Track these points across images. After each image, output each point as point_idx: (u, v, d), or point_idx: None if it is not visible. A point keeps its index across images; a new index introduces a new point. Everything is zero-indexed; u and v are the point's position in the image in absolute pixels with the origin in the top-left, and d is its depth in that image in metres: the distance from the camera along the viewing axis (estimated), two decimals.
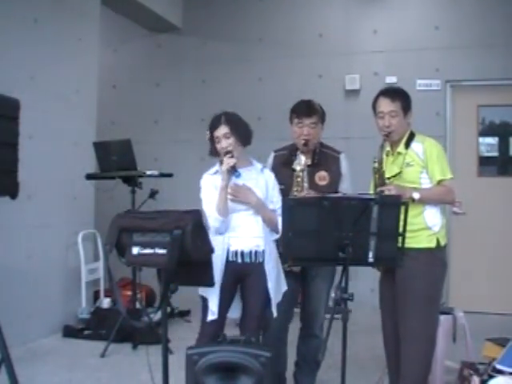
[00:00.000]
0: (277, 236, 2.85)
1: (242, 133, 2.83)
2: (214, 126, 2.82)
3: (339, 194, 2.99)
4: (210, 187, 2.82)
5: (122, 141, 4.49)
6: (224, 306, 2.74)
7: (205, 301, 2.75)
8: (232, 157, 2.74)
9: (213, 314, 2.71)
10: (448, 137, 5.56)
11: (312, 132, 3.09)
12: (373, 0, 5.85)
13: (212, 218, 2.73)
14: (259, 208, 2.79)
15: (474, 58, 5.49)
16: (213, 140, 2.83)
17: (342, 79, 5.84)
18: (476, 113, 5.64)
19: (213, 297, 2.70)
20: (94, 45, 5.20)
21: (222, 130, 2.79)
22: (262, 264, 2.77)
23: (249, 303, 2.80)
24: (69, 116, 4.80)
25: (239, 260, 2.76)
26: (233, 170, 2.72)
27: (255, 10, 6.18)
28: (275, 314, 2.79)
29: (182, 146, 6.31)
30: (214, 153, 2.87)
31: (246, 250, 2.76)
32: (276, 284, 2.82)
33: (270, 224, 2.82)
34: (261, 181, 2.86)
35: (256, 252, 2.77)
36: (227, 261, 2.73)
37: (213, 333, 2.68)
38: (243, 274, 2.77)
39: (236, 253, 2.76)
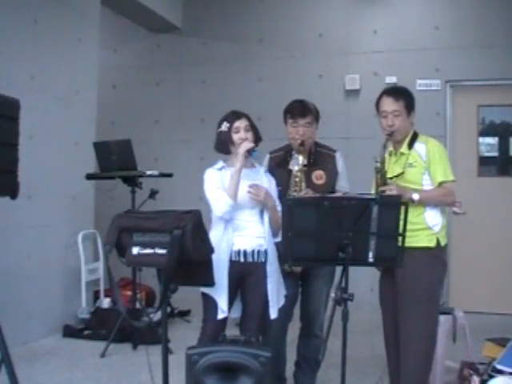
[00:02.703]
0: (278, 239, 2.85)
1: (257, 132, 2.89)
2: (235, 117, 2.85)
3: (339, 194, 3.00)
4: (217, 179, 2.80)
5: (122, 141, 4.49)
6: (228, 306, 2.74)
7: (206, 299, 2.73)
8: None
9: (223, 312, 2.69)
10: (448, 137, 5.56)
11: (307, 132, 3.08)
12: (373, 0, 5.85)
13: (221, 200, 2.71)
14: (273, 211, 2.80)
15: (474, 58, 5.49)
16: (229, 131, 2.82)
17: (341, 79, 5.84)
18: (476, 113, 5.64)
19: (222, 295, 2.68)
20: (94, 45, 5.20)
21: (244, 121, 2.84)
22: (264, 264, 2.77)
23: (249, 303, 2.80)
24: (69, 116, 4.80)
25: (242, 259, 2.76)
26: (250, 152, 2.75)
27: (255, 10, 6.18)
28: (273, 316, 2.78)
29: (182, 146, 6.31)
30: (226, 145, 2.84)
31: (249, 249, 2.76)
32: (276, 286, 2.81)
33: (276, 226, 2.81)
34: (264, 183, 2.87)
35: (258, 251, 2.77)
36: (230, 260, 2.72)
37: (216, 332, 2.67)
38: (245, 274, 2.77)
39: (239, 252, 2.76)
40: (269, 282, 2.76)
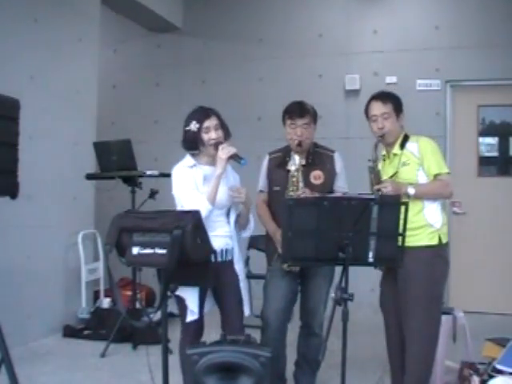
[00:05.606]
0: (248, 234, 2.91)
1: (226, 127, 2.85)
2: (204, 116, 2.78)
3: (338, 194, 3.01)
4: (190, 179, 2.74)
5: (122, 141, 4.49)
6: (201, 304, 2.70)
7: (181, 301, 2.67)
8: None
9: (192, 314, 2.64)
10: (448, 137, 5.56)
11: (305, 132, 3.08)
12: (373, 0, 5.85)
13: (200, 205, 2.60)
14: (247, 208, 2.83)
15: (474, 58, 5.49)
16: (199, 131, 2.76)
17: (341, 79, 5.84)
18: (476, 113, 5.64)
19: (192, 297, 2.64)
20: (94, 45, 5.20)
21: (214, 120, 2.78)
22: (231, 262, 2.80)
23: (226, 303, 2.77)
24: (69, 116, 4.80)
25: (212, 259, 2.71)
26: (237, 158, 2.70)
27: (255, 10, 6.18)
28: (247, 313, 2.80)
29: None
30: (195, 144, 2.78)
31: (218, 248, 2.73)
32: (245, 284, 2.84)
33: (244, 221, 2.85)
34: (231, 179, 2.87)
35: (226, 250, 2.79)
36: None
37: (195, 331, 2.68)
38: (216, 273, 2.73)
39: None
40: (240, 279, 2.79)
